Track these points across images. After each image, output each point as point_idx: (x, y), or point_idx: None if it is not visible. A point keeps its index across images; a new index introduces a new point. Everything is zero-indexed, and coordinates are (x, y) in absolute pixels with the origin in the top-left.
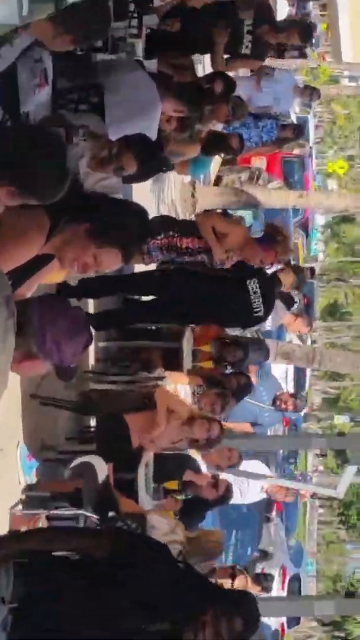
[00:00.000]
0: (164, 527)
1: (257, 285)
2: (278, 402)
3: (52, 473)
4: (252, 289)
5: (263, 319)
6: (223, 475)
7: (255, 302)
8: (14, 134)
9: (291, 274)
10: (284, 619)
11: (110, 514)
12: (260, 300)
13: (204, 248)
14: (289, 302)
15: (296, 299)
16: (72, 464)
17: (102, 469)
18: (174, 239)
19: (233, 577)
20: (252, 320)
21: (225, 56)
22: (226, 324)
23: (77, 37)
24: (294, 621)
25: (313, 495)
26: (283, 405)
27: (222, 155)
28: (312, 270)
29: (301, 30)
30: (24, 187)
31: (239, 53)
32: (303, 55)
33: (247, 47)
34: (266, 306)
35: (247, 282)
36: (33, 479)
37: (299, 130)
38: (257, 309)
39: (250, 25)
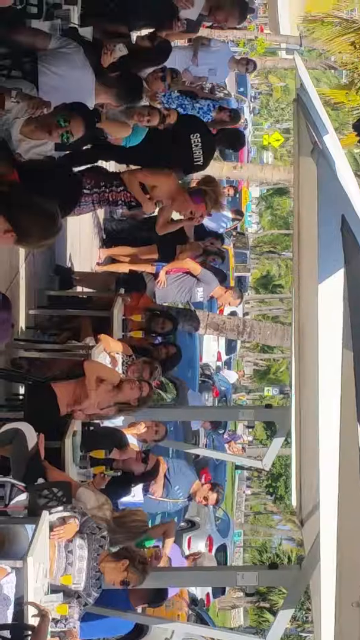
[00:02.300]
0: (91, 502)
1: (199, 140)
2: (197, 498)
3: None
4: (194, 143)
5: (202, 168)
6: None
7: (196, 153)
8: None
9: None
10: (209, 589)
11: (38, 481)
12: (201, 152)
13: (136, 200)
14: (220, 275)
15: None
16: (1, 429)
17: (32, 436)
18: (105, 194)
19: (157, 556)
20: (192, 168)
21: None
22: (169, 166)
23: None
24: (219, 591)
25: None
26: (203, 502)
27: None
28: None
29: (241, 12)
30: None
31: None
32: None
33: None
34: (205, 158)
35: (191, 136)
36: None
37: (236, 114)
38: (197, 160)
39: None
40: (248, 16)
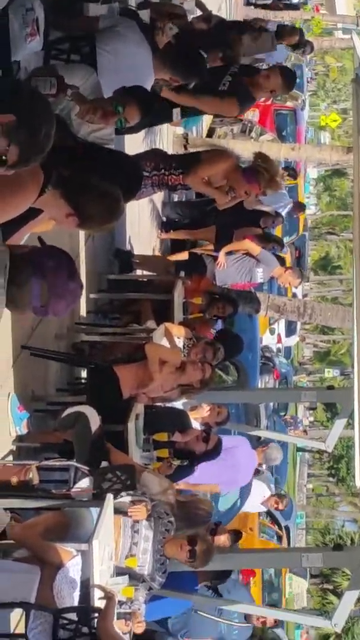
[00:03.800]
0: (155, 487)
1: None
2: (254, 618)
3: (42, 424)
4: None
5: None
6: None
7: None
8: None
9: None
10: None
11: (102, 464)
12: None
13: None
14: (279, 257)
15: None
16: (65, 413)
17: (95, 419)
18: (165, 177)
19: (213, 532)
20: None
21: None
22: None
23: None
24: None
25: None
26: (261, 619)
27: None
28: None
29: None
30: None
31: None
32: (296, 8)
33: None
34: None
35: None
36: (24, 430)
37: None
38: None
39: None
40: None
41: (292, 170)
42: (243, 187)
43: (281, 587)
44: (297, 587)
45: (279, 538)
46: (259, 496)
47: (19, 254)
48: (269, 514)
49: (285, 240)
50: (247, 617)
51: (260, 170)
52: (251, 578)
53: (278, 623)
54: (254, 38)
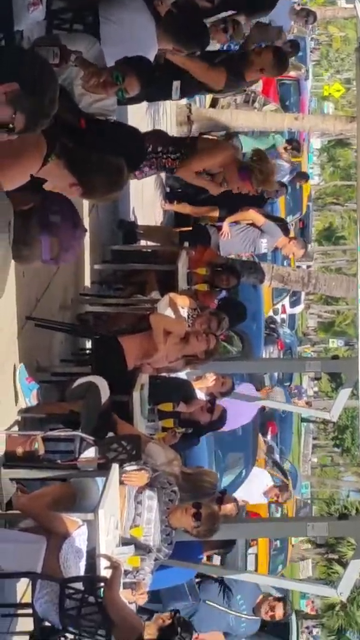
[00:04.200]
0: (160, 458)
1: None
2: (262, 611)
3: (48, 395)
4: None
5: None
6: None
7: None
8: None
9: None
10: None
11: (108, 435)
12: None
13: None
14: (284, 226)
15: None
16: (75, 384)
17: (105, 390)
18: (162, 160)
19: (220, 501)
20: None
21: None
22: None
23: None
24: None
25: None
26: (269, 613)
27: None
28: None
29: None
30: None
31: None
32: None
33: None
34: None
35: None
36: (33, 401)
37: (296, 45)
38: None
39: None
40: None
41: (296, 143)
42: (236, 184)
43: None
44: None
45: (286, 487)
46: (261, 487)
47: (24, 212)
48: (274, 463)
49: (289, 219)
50: (255, 610)
51: (254, 171)
52: None
53: (288, 615)
54: (261, 29)
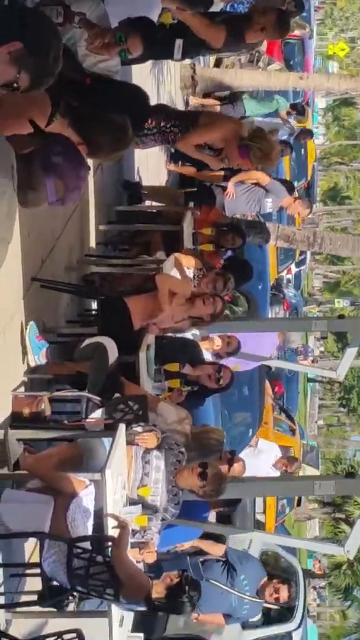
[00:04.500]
0: (172, 416)
1: None
2: (267, 593)
3: (54, 356)
4: None
5: None
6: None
7: None
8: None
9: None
10: (284, 501)
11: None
12: None
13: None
14: (289, 185)
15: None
16: (83, 344)
17: (113, 351)
18: (166, 134)
19: (230, 462)
20: None
21: None
22: None
23: None
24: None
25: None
26: (274, 595)
27: None
28: (309, 132)
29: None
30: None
31: None
32: None
33: None
34: None
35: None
36: (42, 359)
37: (300, 4)
38: None
39: None
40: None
41: (300, 107)
42: (236, 160)
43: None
44: None
45: (292, 431)
46: (270, 459)
47: (25, 155)
48: (281, 409)
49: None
50: (259, 593)
51: (253, 148)
52: None
53: (292, 597)
54: None
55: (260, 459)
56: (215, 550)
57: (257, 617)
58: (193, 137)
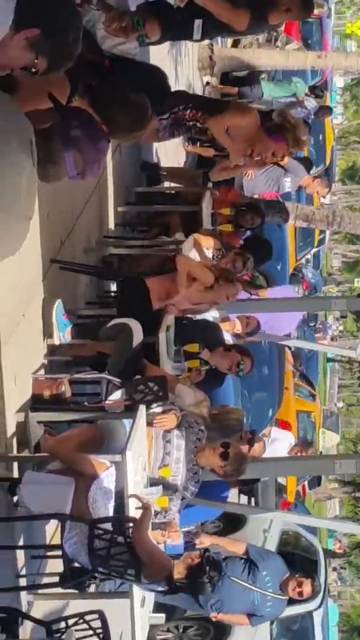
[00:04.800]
0: (189, 399)
1: None
2: (290, 589)
3: (77, 336)
4: None
5: None
6: None
7: None
8: None
9: None
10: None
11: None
12: None
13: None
14: (307, 164)
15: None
16: (110, 324)
17: (139, 333)
18: (179, 115)
19: (251, 442)
20: None
21: None
22: None
23: None
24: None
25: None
26: (297, 590)
27: None
28: (328, 108)
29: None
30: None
31: None
32: None
33: None
34: None
35: None
36: (67, 337)
37: None
38: None
39: None
40: None
41: (318, 90)
42: (270, 148)
43: (315, 441)
44: (329, 441)
45: (313, 397)
46: (284, 448)
47: (44, 130)
48: (302, 375)
49: (313, 171)
50: (282, 588)
51: (287, 126)
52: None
53: (316, 591)
54: None
55: (274, 447)
56: (236, 548)
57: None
58: (226, 116)
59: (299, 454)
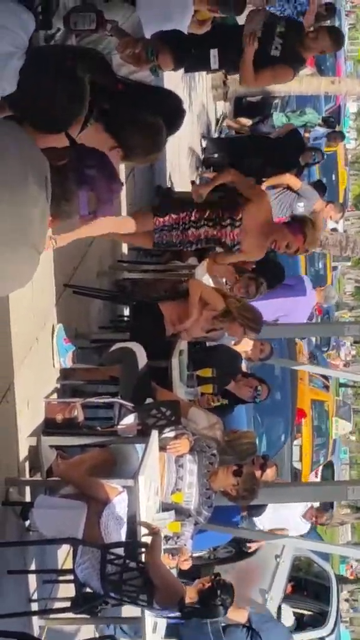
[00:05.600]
0: (203, 422)
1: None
2: None
3: (86, 361)
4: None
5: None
6: None
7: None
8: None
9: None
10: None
11: (147, 401)
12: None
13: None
14: (321, 188)
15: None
16: (112, 348)
17: (142, 356)
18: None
19: (263, 467)
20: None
21: None
22: None
23: None
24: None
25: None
26: None
27: None
28: (340, 134)
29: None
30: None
31: None
32: None
33: None
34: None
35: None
36: (68, 363)
37: (332, 8)
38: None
39: None
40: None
41: (331, 122)
42: (287, 238)
43: (328, 430)
44: (342, 429)
45: (326, 387)
46: (298, 511)
47: (59, 167)
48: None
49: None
50: None
51: (308, 222)
52: (302, 419)
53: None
54: None
55: (290, 508)
56: (238, 615)
57: (290, 623)
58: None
59: (313, 518)
